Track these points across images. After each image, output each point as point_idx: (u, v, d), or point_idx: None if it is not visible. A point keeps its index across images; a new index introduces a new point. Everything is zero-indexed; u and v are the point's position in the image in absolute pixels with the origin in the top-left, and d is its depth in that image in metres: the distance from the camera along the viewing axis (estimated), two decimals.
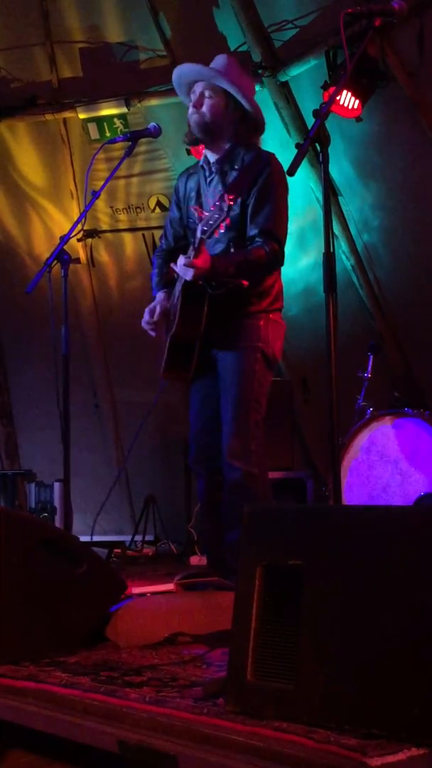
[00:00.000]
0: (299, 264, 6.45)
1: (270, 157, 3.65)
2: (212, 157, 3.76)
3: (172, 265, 3.60)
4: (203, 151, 3.85)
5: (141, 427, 4.32)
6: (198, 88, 3.71)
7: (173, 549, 6.58)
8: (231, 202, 3.32)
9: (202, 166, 3.81)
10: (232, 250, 3.63)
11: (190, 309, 3.58)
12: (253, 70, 5.97)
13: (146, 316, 3.82)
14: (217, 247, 3.64)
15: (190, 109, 3.73)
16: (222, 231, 3.48)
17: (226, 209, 3.32)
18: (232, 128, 3.67)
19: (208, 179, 3.76)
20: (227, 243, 3.64)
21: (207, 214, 3.42)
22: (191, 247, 3.56)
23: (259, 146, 3.75)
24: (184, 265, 3.46)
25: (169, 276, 3.82)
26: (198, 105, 3.70)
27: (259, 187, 3.58)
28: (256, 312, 3.65)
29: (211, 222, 3.40)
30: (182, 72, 3.78)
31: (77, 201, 7.19)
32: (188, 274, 3.46)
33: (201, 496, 3.90)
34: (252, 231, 3.59)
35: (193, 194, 3.80)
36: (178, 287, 3.67)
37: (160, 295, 3.85)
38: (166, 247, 3.97)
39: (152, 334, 3.84)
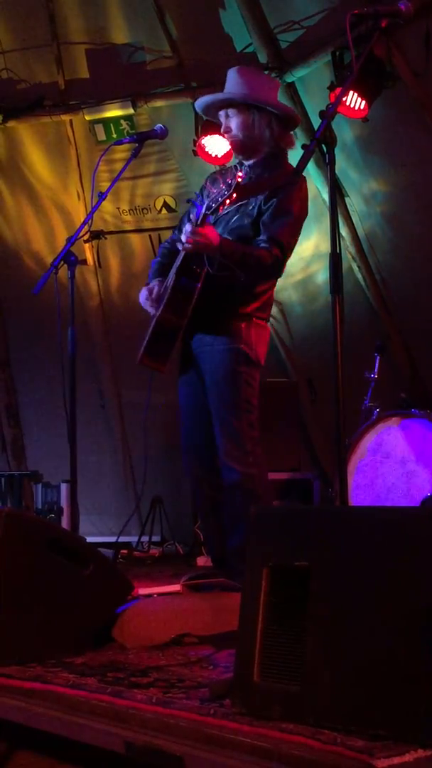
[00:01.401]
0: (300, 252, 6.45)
1: (302, 179, 3.64)
2: (248, 162, 3.79)
3: (180, 234, 3.54)
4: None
5: (144, 427, 4.30)
6: (222, 114, 3.78)
7: (180, 550, 6.57)
8: (239, 179, 3.29)
9: (235, 166, 3.82)
10: None
11: (179, 295, 3.54)
12: None
13: (144, 293, 3.78)
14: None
15: (226, 135, 3.79)
16: (227, 206, 3.45)
17: (233, 185, 3.29)
18: (268, 133, 3.69)
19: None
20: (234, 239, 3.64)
21: (215, 191, 3.38)
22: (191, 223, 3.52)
23: (290, 165, 3.73)
24: (190, 232, 3.42)
25: (169, 266, 3.81)
26: (228, 129, 3.76)
27: (281, 199, 3.57)
28: (240, 314, 3.63)
29: (219, 198, 3.36)
30: (199, 106, 3.88)
31: (84, 202, 7.19)
32: (188, 237, 3.42)
33: (195, 497, 3.89)
34: (262, 236, 3.58)
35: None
36: (172, 272, 3.64)
37: (154, 282, 3.83)
38: (176, 237, 3.97)
39: (152, 311, 3.78)
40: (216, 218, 3.70)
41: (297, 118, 3.83)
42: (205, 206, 3.43)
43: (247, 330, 3.63)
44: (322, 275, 6.39)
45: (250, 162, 3.77)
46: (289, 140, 3.80)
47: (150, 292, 3.78)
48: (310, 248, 6.46)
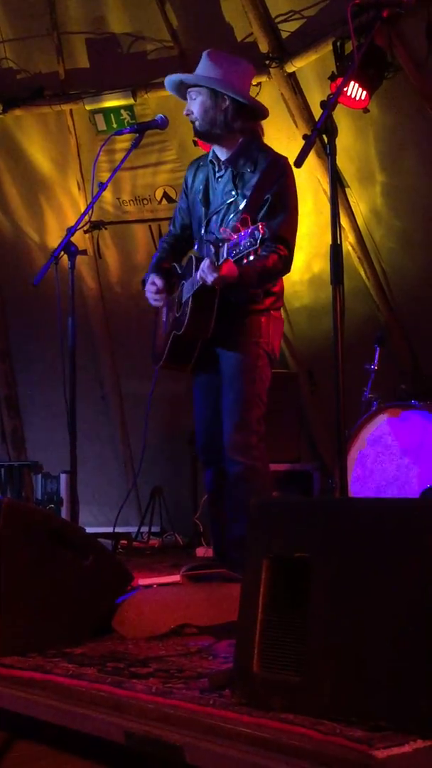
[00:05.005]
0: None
1: (286, 165, 3.64)
2: (222, 154, 3.75)
3: (197, 272, 3.50)
4: (212, 147, 3.83)
5: (147, 419, 4.29)
6: (188, 95, 3.75)
7: (179, 540, 6.58)
8: (263, 232, 3.10)
9: (211, 160, 3.80)
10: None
11: (200, 312, 3.59)
12: (259, 61, 5.95)
13: (151, 287, 3.85)
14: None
15: (188, 117, 3.75)
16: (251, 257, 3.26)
17: (258, 237, 3.10)
18: (222, 118, 3.65)
19: (218, 176, 3.75)
20: None
21: (235, 237, 3.23)
22: (207, 254, 3.54)
23: (269, 147, 3.72)
24: (207, 268, 3.39)
25: (167, 264, 3.90)
26: (189, 112, 3.73)
27: (275, 194, 3.56)
28: (259, 310, 3.68)
29: (241, 248, 3.19)
30: (168, 85, 3.84)
31: (84, 192, 7.18)
32: (209, 278, 3.39)
33: (208, 487, 3.92)
34: (265, 235, 3.55)
35: (201, 187, 3.80)
36: (187, 287, 3.66)
37: (153, 276, 3.88)
38: (174, 233, 4.04)
39: (154, 303, 3.88)
40: (209, 217, 3.75)
41: (262, 109, 3.77)
42: (226, 249, 3.30)
43: (266, 324, 3.69)
44: (323, 267, 6.37)
45: (225, 156, 3.72)
46: (256, 130, 3.76)
47: (155, 285, 3.83)
48: (312, 242, 6.45)
